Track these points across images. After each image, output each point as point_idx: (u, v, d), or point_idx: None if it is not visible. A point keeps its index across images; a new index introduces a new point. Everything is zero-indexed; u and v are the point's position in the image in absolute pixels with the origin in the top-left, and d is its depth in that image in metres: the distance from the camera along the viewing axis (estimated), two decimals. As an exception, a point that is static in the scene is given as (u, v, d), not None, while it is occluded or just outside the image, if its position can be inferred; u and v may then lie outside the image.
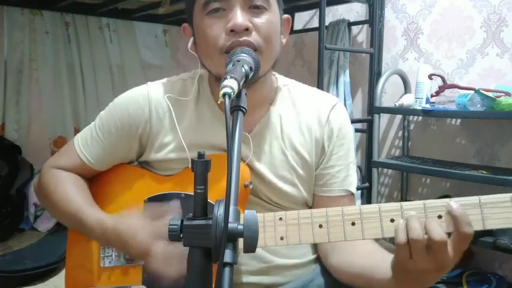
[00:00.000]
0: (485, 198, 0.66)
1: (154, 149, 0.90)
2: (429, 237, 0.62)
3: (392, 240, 0.66)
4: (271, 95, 0.92)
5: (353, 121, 0.88)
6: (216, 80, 0.86)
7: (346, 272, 0.84)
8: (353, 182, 0.93)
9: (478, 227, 0.65)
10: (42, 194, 0.94)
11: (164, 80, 0.95)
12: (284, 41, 0.90)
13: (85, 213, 0.85)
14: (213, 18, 0.80)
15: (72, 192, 0.89)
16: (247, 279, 0.88)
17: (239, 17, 0.78)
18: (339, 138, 0.92)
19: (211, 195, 0.57)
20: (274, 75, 0.94)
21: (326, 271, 0.92)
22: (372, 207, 0.69)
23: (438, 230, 0.63)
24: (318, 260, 0.96)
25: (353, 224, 0.68)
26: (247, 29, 0.78)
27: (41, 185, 0.93)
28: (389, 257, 0.71)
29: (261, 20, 0.80)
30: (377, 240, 0.79)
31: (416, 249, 0.63)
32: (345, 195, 0.92)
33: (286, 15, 0.90)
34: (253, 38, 0.79)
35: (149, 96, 0.90)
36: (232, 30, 0.78)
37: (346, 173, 0.92)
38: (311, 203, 0.94)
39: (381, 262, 0.74)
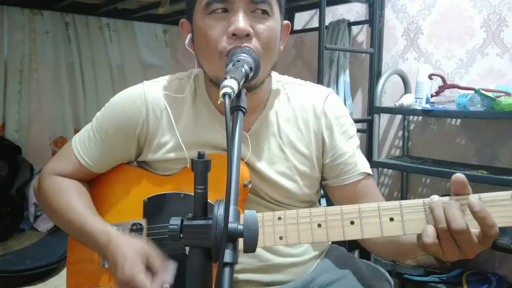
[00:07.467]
0: (485, 196, 0.65)
1: (152, 149, 0.90)
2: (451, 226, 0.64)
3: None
4: (267, 94, 0.92)
5: (353, 121, 0.89)
6: (211, 81, 0.86)
7: (373, 240, 0.88)
8: (364, 163, 0.94)
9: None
10: (43, 202, 0.94)
11: (160, 78, 0.94)
12: (282, 47, 0.90)
13: (89, 224, 0.84)
14: (214, 20, 0.79)
15: (74, 202, 0.89)
16: (246, 277, 0.88)
17: (241, 21, 0.77)
18: (339, 127, 0.92)
19: (211, 195, 0.57)
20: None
21: (326, 270, 0.92)
22: (371, 205, 0.69)
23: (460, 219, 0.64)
24: (319, 257, 0.96)
25: (352, 223, 0.68)
26: (248, 35, 0.78)
27: (41, 193, 0.93)
28: None
29: (262, 27, 0.80)
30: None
31: (444, 239, 0.65)
32: (363, 178, 0.92)
33: (286, 22, 0.90)
34: (253, 44, 0.78)
35: (145, 95, 0.89)
36: (234, 34, 0.77)
37: (356, 157, 0.93)
38: (317, 200, 0.95)
39: None
